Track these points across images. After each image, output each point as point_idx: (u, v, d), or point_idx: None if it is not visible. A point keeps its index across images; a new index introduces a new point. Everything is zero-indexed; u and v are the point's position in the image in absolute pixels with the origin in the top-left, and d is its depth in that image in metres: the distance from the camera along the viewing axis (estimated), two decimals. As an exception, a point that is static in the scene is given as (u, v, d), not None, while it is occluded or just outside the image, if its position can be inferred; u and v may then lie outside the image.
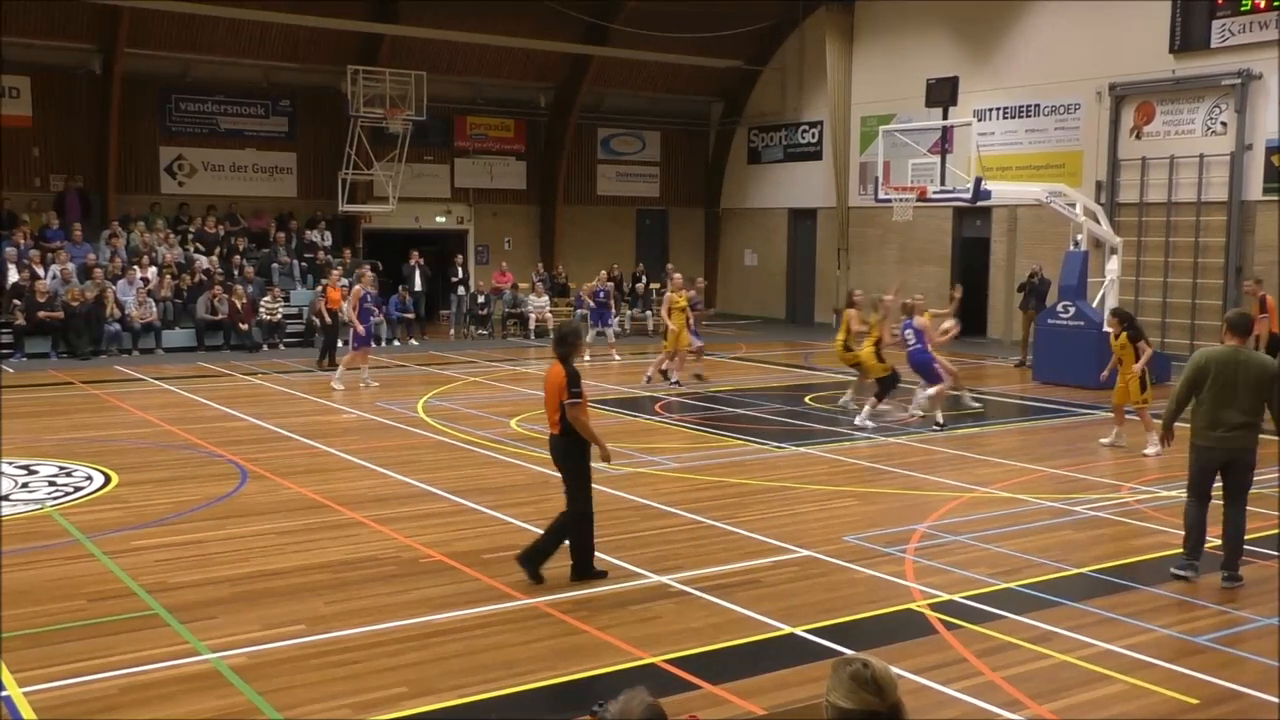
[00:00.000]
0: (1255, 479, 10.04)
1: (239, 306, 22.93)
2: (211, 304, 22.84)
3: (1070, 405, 16.48)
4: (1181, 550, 8.33)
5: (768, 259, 32.11)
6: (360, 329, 17.70)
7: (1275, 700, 6.08)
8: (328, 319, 21.03)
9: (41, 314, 21.19)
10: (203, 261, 24.25)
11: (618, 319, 27.38)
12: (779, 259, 31.77)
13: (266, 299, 23.57)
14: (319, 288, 23.02)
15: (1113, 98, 23.06)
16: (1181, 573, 8.21)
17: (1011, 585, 8.03)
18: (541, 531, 8.30)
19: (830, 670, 2.91)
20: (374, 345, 18.50)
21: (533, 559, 7.98)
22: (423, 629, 7.10)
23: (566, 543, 8.12)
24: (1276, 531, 9.38)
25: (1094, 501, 10.62)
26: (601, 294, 22.56)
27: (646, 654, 6.66)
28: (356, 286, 18.27)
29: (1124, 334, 13.12)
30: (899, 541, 9.15)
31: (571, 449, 8.10)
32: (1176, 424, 8.30)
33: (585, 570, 8.08)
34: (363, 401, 16.40)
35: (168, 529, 9.49)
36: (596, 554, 8.13)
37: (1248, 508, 8.24)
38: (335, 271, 22.10)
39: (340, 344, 19.84)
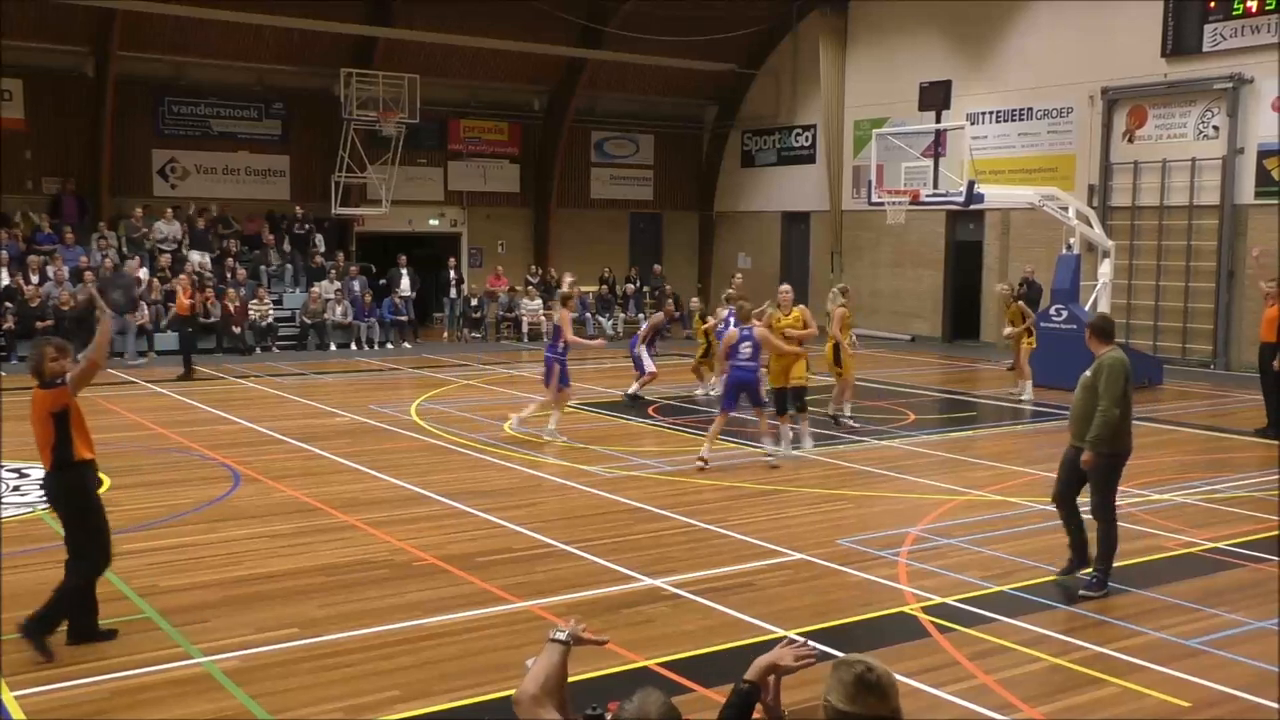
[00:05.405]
0: (1255, 482, 10.08)
1: (231, 309, 22.89)
2: (204, 307, 22.77)
3: (1063, 408, 16.43)
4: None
5: (761, 262, 32.08)
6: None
7: (1267, 703, 6.09)
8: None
9: (37, 324, 21.06)
10: (195, 263, 24.19)
11: (611, 321, 27.47)
12: (772, 262, 31.74)
13: (254, 301, 23.53)
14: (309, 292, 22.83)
15: (1105, 101, 23.11)
16: None
17: (1004, 588, 8.03)
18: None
19: (830, 671, 2.87)
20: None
21: (82, 629, 6.85)
22: (415, 632, 7.09)
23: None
24: (1276, 534, 9.40)
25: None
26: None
27: (639, 657, 6.65)
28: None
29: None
30: (892, 545, 9.15)
31: (73, 486, 7.01)
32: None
33: (81, 629, 6.80)
34: (357, 404, 16.35)
35: (160, 532, 9.47)
36: (588, 558, 8.04)
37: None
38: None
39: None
